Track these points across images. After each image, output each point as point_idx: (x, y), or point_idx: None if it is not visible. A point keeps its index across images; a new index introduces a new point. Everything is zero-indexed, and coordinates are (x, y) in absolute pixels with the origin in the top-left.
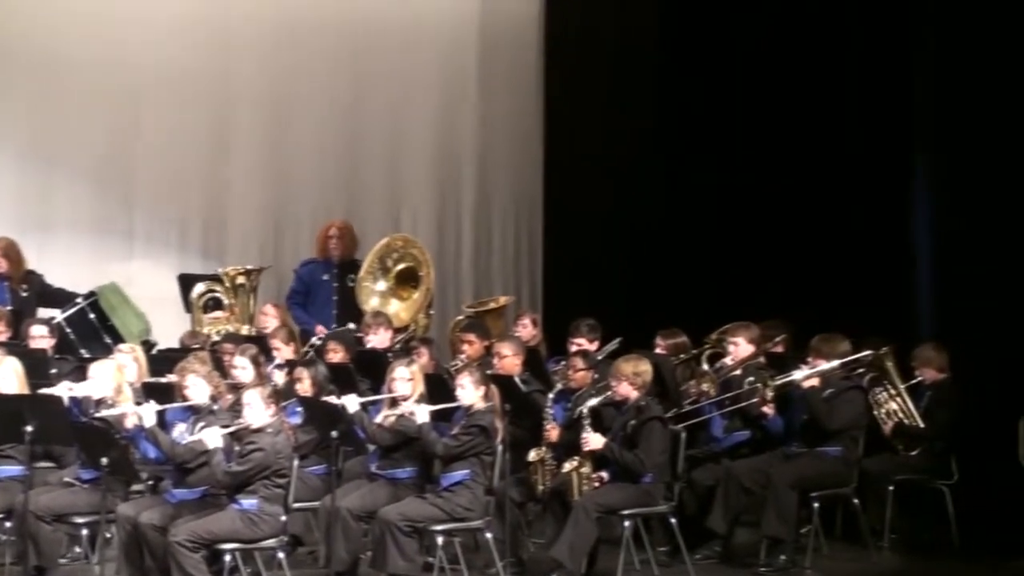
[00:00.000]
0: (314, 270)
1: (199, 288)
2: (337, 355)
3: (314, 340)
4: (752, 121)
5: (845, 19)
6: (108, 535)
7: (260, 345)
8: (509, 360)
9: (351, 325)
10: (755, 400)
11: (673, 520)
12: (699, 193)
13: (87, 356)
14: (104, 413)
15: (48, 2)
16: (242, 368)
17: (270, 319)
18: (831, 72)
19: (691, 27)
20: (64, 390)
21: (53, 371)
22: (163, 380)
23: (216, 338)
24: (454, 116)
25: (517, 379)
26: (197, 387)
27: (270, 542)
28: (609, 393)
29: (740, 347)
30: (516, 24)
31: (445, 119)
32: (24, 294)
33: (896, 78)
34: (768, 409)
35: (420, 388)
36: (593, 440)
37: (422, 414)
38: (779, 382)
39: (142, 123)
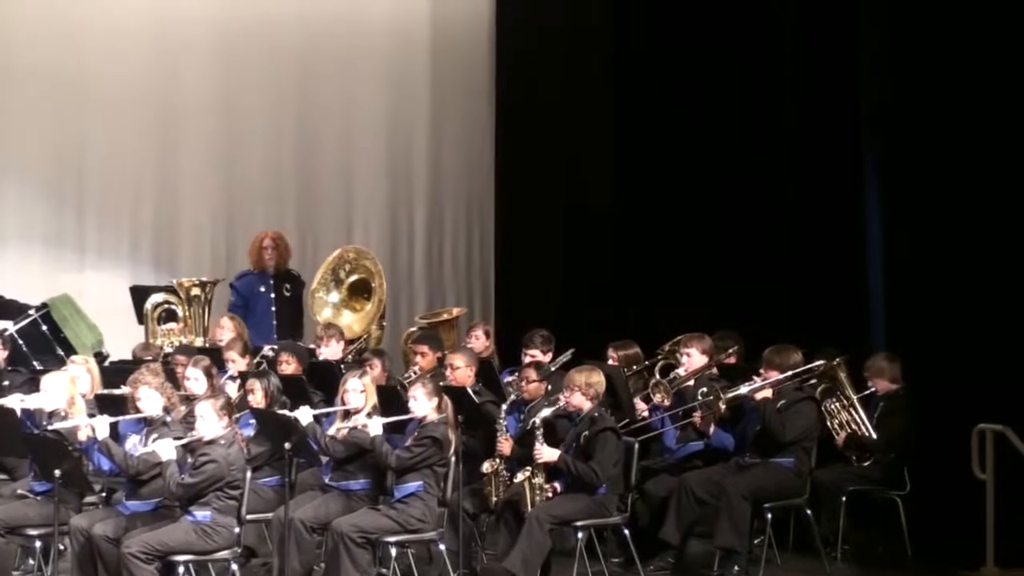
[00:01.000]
0: (251, 282)
1: (154, 299)
2: (290, 367)
3: (266, 351)
4: (705, 129)
5: (793, 21)
6: (62, 547)
7: (213, 357)
8: (462, 371)
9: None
10: (709, 412)
11: (626, 531)
12: (652, 205)
13: (39, 368)
14: (57, 425)
15: None
16: (195, 380)
17: (226, 332)
18: (779, 79)
19: (643, 24)
20: (16, 402)
21: (5, 383)
22: (116, 392)
23: (169, 350)
24: (406, 125)
25: (470, 390)
26: (150, 399)
27: (223, 553)
28: (562, 404)
29: (693, 358)
30: (467, 28)
31: (396, 128)
32: None
33: (844, 84)
34: (711, 428)
35: (373, 400)
36: (546, 453)
37: (375, 426)
38: (731, 394)
39: (91, 134)
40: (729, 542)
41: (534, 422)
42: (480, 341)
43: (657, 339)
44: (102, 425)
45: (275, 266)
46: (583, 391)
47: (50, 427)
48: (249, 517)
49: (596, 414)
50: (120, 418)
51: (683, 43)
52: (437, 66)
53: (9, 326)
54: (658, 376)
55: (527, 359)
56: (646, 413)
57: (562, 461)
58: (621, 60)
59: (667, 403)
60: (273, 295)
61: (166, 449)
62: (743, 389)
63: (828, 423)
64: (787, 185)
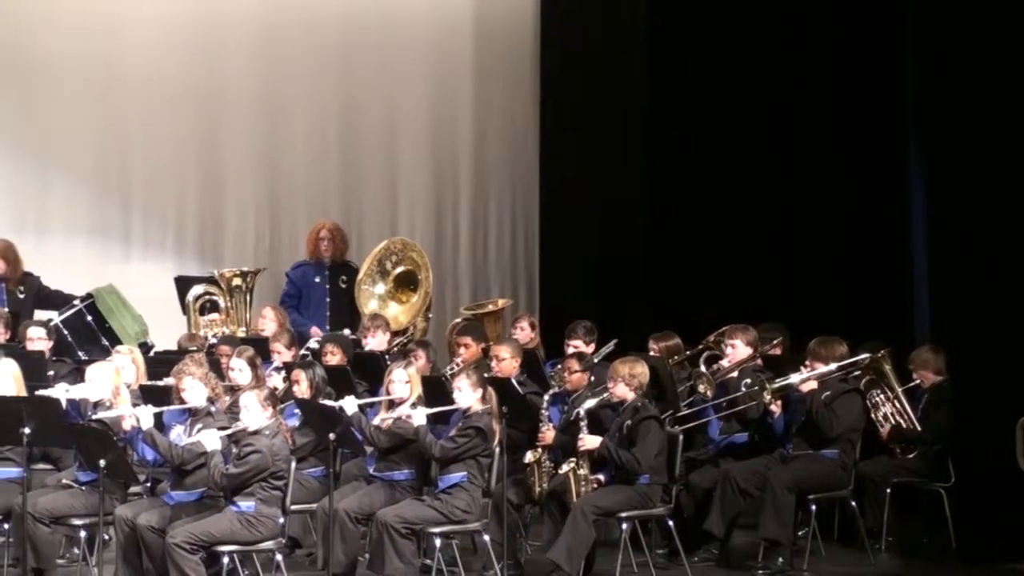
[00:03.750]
0: (306, 272)
1: (196, 290)
2: (335, 357)
3: (311, 343)
4: (748, 119)
5: (839, 18)
6: (106, 537)
7: (257, 347)
8: (506, 362)
9: (347, 332)
10: (752, 404)
11: (671, 522)
12: (697, 195)
13: (85, 358)
14: (102, 415)
15: (41, 4)
16: (239, 370)
17: (268, 322)
18: (827, 71)
19: (685, 18)
20: (62, 392)
21: (51, 373)
22: (160, 382)
23: (213, 340)
24: (449, 117)
25: (514, 381)
26: (194, 389)
27: (268, 544)
28: (606, 395)
29: (737, 349)
30: (511, 19)
31: (440, 119)
32: (21, 296)
33: (891, 77)
34: (775, 407)
35: (418, 391)
36: (589, 441)
37: (419, 416)
38: (776, 385)
39: (135, 126)
40: (774, 534)
41: (578, 412)
42: (525, 332)
43: (701, 331)
44: (147, 415)
45: (331, 257)
46: (627, 381)
47: (95, 417)
48: (293, 507)
49: (639, 404)
50: (164, 408)
51: (725, 36)
52: (480, 57)
53: (54, 316)
54: (703, 367)
55: (570, 350)
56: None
57: (604, 447)
58: (662, 52)
59: (711, 394)
60: (328, 286)
61: (210, 439)
62: (788, 380)
63: (872, 415)
64: (833, 177)
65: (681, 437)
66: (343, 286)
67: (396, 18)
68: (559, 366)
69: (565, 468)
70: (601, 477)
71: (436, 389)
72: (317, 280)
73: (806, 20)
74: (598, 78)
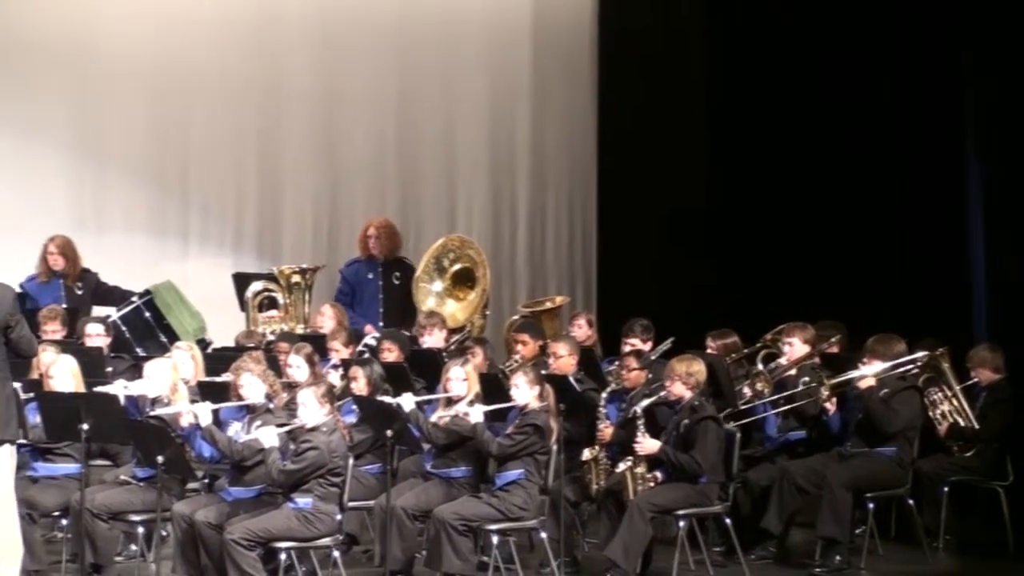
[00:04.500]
0: (358, 270)
1: (255, 287)
2: (392, 354)
3: (368, 339)
4: (808, 119)
5: (898, 18)
6: (164, 533)
7: (314, 344)
8: (564, 360)
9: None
10: (809, 400)
11: (728, 520)
12: (755, 193)
13: (143, 354)
14: (160, 411)
15: (100, 1)
16: (297, 367)
17: (327, 319)
18: (887, 70)
19: (744, 11)
20: (120, 388)
21: (109, 369)
22: (218, 379)
23: (271, 337)
24: (507, 113)
25: (571, 379)
26: (252, 386)
27: (325, 541)
28: (663, 393)
29: (795, 347)
30: (570, 16)
31: (498, 116)
32: (79, 292)
33: (949, 75)
34: (830, 405)
35: (475, 388)
36: (647, 444)
37: (477, 414)
38: (834, 382)
39: (193, 122)
40: (831, 532)
41: (635, 411)
42: (582, 330)
43: (759, 328)
44: (205, 412)
45: (381, 254)
46: (683, 380)
47: (153, 413)
48: (351, 504)
49: (697, 403)
50: (222, 405)
51: (785, 28)
52: (539, 53)
53: (112, 313)
54: (760, 365)
55: (627, 348)
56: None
57: (663, 453)
58: (722, 47)
59: (768, 392)
60: (381, 283)
61: (268, 436)
62: (847, 376)
63: (930, 413)
64: (891, 176)
65: (738, 435)
66: (396, 283)
67: (454, 14)
68: (617, 364)
69: (622, 466)
70: (658, 474)
71: (493, 386)
72: (370, 277)
73: (865, 18)
74: (657, 74)
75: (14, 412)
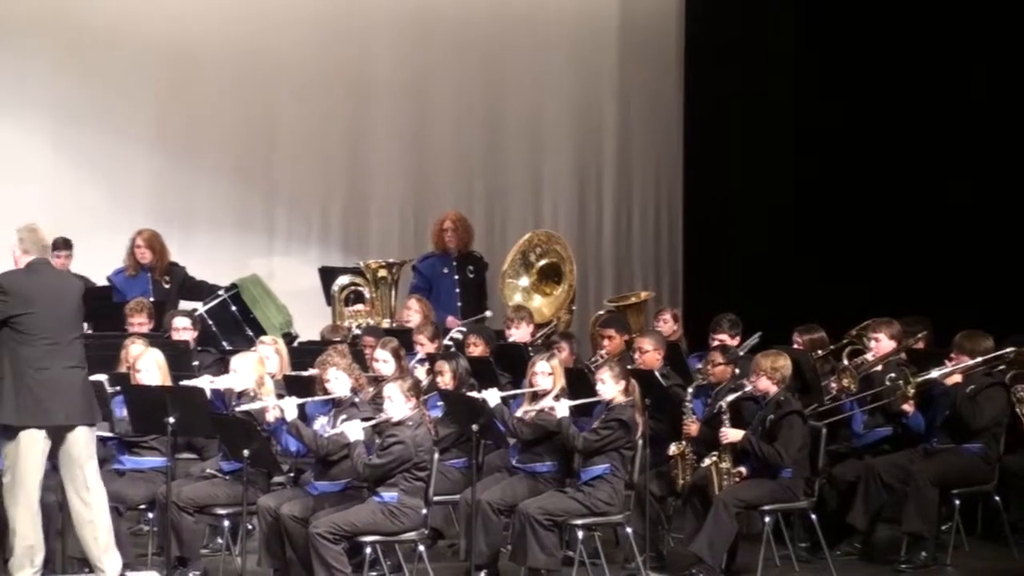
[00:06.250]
0: (434, 264)
1: (341, 281)
2: (478, 349)
3: (454, 333)
4: (898, 114)
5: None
6: (250, 527)
7: (401, 338)
8: (650, 355)
9: (488, 313)
10: (896, 396)
11: (813, 516)
12: (843, 187)
13: (229, 348)
14: (246, 406)
15: None
16: (383, 361)
17: (413, 313)
18: (980, 60)
19: (830, 7)
20: (206, 382)
21: (195, 363)
22: (304, 373)
23: (357, 331)
24: (593, 108)
25: (657, 374)
26: (338, 380)
27: (410, 535)
28: (748, 388)
29: (881, 343)
30: (656, 13)
31: (584, 111)
32: (167, 286)
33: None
34: (908, 407)
35: (561, 382)
36: (731, 434)
37: (562, 408)
38: (920, 379)
39: (280, 117)
40: (917, 528)
41: (720, 405)
42: (668, 325)
43: (845, 324)
44: (290, 406)
45: (457, 248)
46: (769, 375)
47: (239, 408)
48: (436, 498)
49: (782, 398)
50: (308, 399)
51: (875, 21)
52: (625, 45)
53: (199, 307)
54: (846, 361)
55: (714, 343)
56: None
57: (747, 441)
58: (810, 37)
59: (854, 388)
60: (457, 277)
61: (354, 430)
62: (933, 374)
63: (1017, 409)
64: (980, 172)
65: (824, 431)
66: (471, 276)
67: (542, 9)
68: (703, 359)
69: (708, 461)
70: (743, 470)
71: (579, 381)
72: (445, 271)
73: (959, 7)
74: (743, 67)
75: (92, 400)
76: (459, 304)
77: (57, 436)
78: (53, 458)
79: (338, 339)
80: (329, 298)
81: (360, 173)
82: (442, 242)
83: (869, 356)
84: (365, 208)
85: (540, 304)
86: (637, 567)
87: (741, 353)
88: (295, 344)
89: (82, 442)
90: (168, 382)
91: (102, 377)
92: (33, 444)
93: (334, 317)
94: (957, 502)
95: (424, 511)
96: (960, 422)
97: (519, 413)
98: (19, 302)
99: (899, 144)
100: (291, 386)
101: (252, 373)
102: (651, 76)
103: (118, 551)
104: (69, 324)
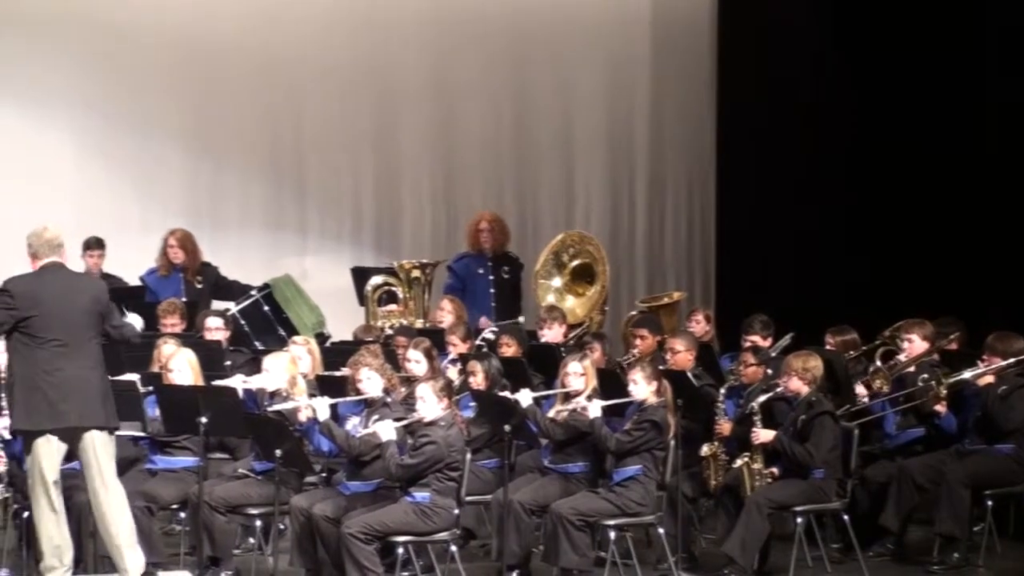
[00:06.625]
0: (469, 264)
1: (375, 281)
2: (510, 349)
3: (487, 333)
4: (931, 115)
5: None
6: (282, 527)
7: (433, 338)
8: (682, 355)
9: (521, 319)
10: (928, 397)
11: (845, 517)
12: (874, 187)
13: (261, 348)
14: (278, 406)
15: None
16: (415, 361)
17: (446, 314)
18: (1016, 65)
19: (863, 5)
20: (238, 382)
21: (227, 363)
22: (337, 373)
23: (389, 331)
24: (625, 107)
25: (689, 374)
26: (370, 380)
27: (443, 535)
28: (779, 388)
29: (914, 344)
30: (689, 10)
31: (615, 110)
32: (199, 286)
33: None
34: (940, 408)
35: (593, 383)
36: (763, 434)
37: (595, 409)
38: (953, 380)
39: (310, 116)
40: (949, 529)
41: (752, 406)
42: (700, 325)
43: (877, 325)
44: (323, 406)
45: (492, 248)
46: (800, 375)
47: (271, 407)
48: (468, 499)
49: (814, 398)
50: (340, 399)
51: (914, 25)
52: (657, 44)
53: (231, 307)
54: (879, 362)
55: (746, 344)
56: (866, 399)
57: (777, 441)
58: (843, 36)
59: (886, 389)
60: (492, 277)
61: (386, 430)
62: (965, 375)
63: None
64: (1012, 172)
65: (856, 431)
66: (505, 277)
67: (573, 7)
68: (735, 359)
69: (740, 462)
70: (775, 470)
71: (611, 382)
72: (480, 272)
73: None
74: (776, 67)
75: (108, 401)
76: (493, 305)
77: (74, 437)
78: (78, 458)
79: (371, 339)
80: (362, 298)
81: (391, 173)
82: (477, 242)
83: (902, 357)
84: (397, 208)
85: (573, 305)
86: (669, 568)
87: (773, 354)
88: (327, 344)
89: (99, 443)
90: (200, 382)
91: (134, 377)
92: (46, 446)
93: (367, 317)
94: (989, 503)
95: (456, 511)
96: (992, 423)
97: (551, 413)
98: (25, 305)
99: (933, 145)
100: (323, 386)
101: (284, 373)
102: (684, 74)
103: (141, 550)
104: (82, 325)
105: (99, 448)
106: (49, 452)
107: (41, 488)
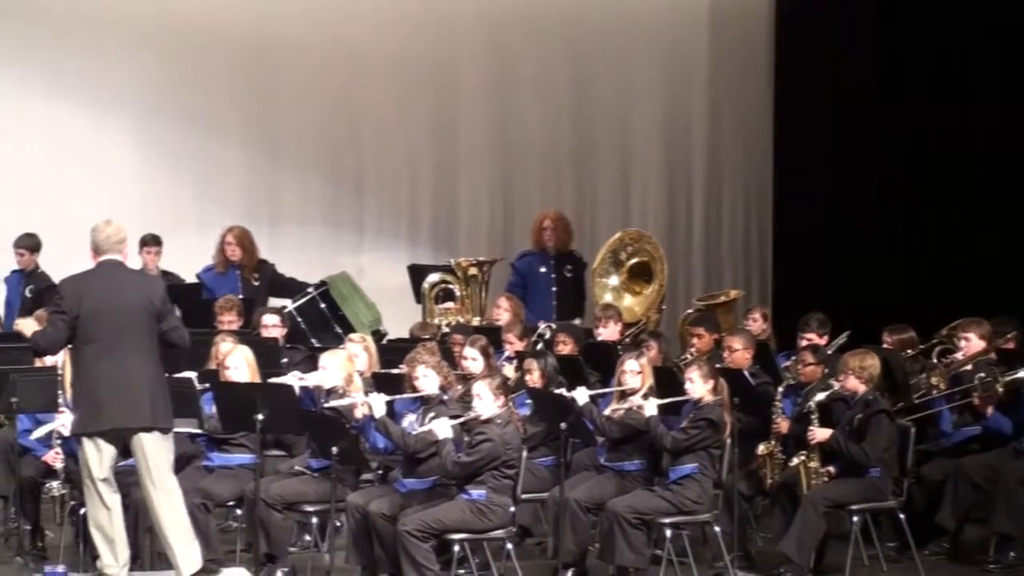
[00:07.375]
0: (531, 262)
1: (432, 278)
2: (567, 347)
3: (542, 330)
4: (986, 112)
5: None
6: (338, 524)
7: (490, 336)
8: (739, 354)
9: (577, 321)
10: (985, 395)
11: (902, 516)
12: (931, 186)
13: (318, 346)
14: (334, 403)
15: None
16: (472, 359)
17: (503, 311)
18: None
19: (923, 11)
20: (295, 379)
21: (284, 360)
22: (393, 371)
23: (446, 329)
24: (683, 107)
25: (746, 373)
26: (427, 378)
27: (499, 532)
28: (836, 387)
29: (971, 343)
30: (747, 9)
31: (673, 107)
32: (256, 283)
33: None
34: (988, 409)
35: (649, 381)
36: (819, 433)
37: (651, 407)
38: (1009, 378)
39: (368, 114)
40: (1006, 528)
41: (809, 405)
42: (757, 324)
43: (935, 323)
44: (379, 403)
45: (555, 247)
46: (857, 374)
47: (327, 405)
48: (524, 496)
49: (870, 397)
50: (397, 397)
51: (963, 13)
52: (715, 42)
53: (288, 304)
54: (936, 360)
55: (803, 342)
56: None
57: (834, 439)
58: (897, 38)
59: (943, 386)
60: (554, 276)
61: (442, 428)
62: (1021, 374)
63: None
64: None
65: (913, 430)
66: (568, 275)
67: (629, 3)
68: (793, 358)
69: (796, 460)
70: (832, 469)
71: (668, 380)
72: (543, 270)
73: None
74: (833, 65)
75: (161, 401)
76: (554, 303)
77: (123, 436)
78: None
79: (427, 337)
80: (418, 296)
81: (448, 171)
82: (540, 240)
83: (959, 356)
84: (454, 206)
85: (631, 303)
86: (725, 566)
87: (830, 352)
88: (384, 342)
89: (147, 443)
90: (257, 379)
91: (191, 374)
92: (91, 446)
93: (424, 315)
94: None
95: (512, 509)
96: None
97: (607, 411)
98: (73, 302)
99: (988, 144)
100: (380, 384)
101: (341, 371)
102: (741, 73)
103: (198, 547)
104: (131, 324)
105: (148, 448)
106: (95, 451)
107: (91, 485)
